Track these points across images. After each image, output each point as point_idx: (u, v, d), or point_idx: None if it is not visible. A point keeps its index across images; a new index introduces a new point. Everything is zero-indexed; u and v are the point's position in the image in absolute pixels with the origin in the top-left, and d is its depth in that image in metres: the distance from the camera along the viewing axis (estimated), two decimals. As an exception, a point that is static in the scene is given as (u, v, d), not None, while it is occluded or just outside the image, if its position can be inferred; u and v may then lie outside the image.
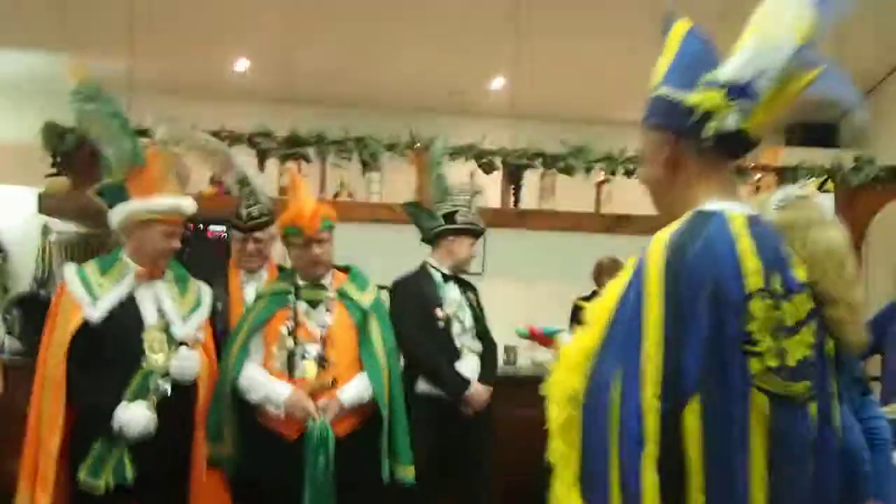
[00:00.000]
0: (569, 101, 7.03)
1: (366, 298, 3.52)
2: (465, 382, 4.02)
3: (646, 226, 5.42)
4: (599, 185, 5.32)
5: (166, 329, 3.24)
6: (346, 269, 3.63)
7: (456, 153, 4.81)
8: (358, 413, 3.43)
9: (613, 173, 5.17)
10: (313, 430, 3.29)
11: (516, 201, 5.13)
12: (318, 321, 3.42)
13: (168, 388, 3.16)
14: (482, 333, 4.30)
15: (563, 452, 1.76)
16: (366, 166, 4.89)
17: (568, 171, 5.08)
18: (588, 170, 5.12)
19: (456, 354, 4.11)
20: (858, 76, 6.67)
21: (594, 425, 1.66)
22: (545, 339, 2.68)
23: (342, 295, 3.50)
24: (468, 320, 4.29)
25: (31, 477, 3.09)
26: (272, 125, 5.08)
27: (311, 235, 3.38)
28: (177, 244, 3.29)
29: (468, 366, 4.13)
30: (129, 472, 3.08)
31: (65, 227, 6.53)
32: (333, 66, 6.60)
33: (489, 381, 4.19)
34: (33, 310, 5.28)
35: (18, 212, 7.09)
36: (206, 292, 3.50)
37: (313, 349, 3.38)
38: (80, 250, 6.33)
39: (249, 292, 4.02)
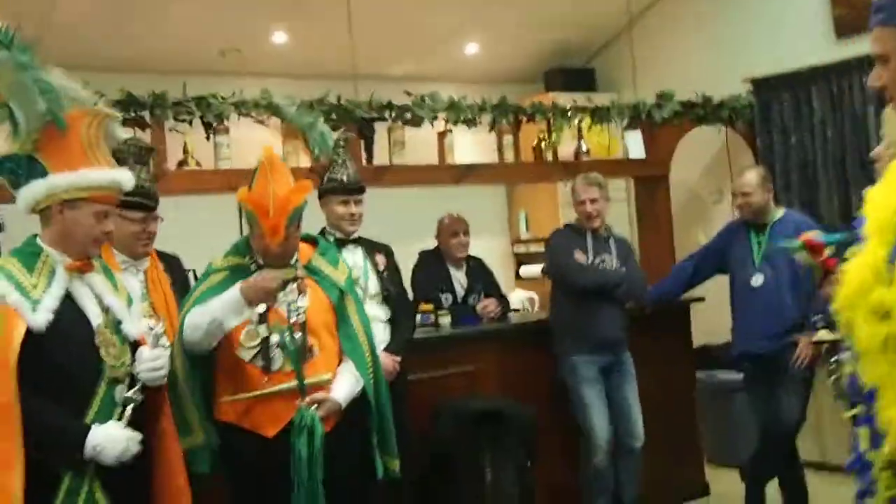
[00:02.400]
0: (342, 57, 6.74)
1: (340, 275, 3.16)
2: None
3: (492, 174, 5.48)
4: (442, 136, 5.15)
5: (115, 328, 2.67)
6: (310, 240, 3.22)
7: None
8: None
9: (456, 122, 5.04)
10: (299, 419, 2.92)
11: (370, 158, 4.81)
12: (290, 304, 2.99)
13: (140, 397, 2.62)
14: (392, 299, 4.02)
15: (886, 372, 1.63)
16: (210, 129, 4.33)
17: (417, 122, 4.86)
18: (433, 120, 4.94)
19: None
20: (609, 18, 7.20)
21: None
22: (821, 248, 2.56)
23: (313, 271, 3.10)
24: (372, 286, 4.01)
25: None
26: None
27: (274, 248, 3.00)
28: (110, 227, 2.70)
29: None
30: None
31: None
32: (96, 25, 5.78)
33: (398, 350, 3.94)
34: None
35: None
36: (131, 281, 2.94)
37: (291, 338, 2.96)
38: None
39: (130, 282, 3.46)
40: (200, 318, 2.93)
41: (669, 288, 5.20)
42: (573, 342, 4.65)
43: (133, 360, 2.66)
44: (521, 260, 7.42)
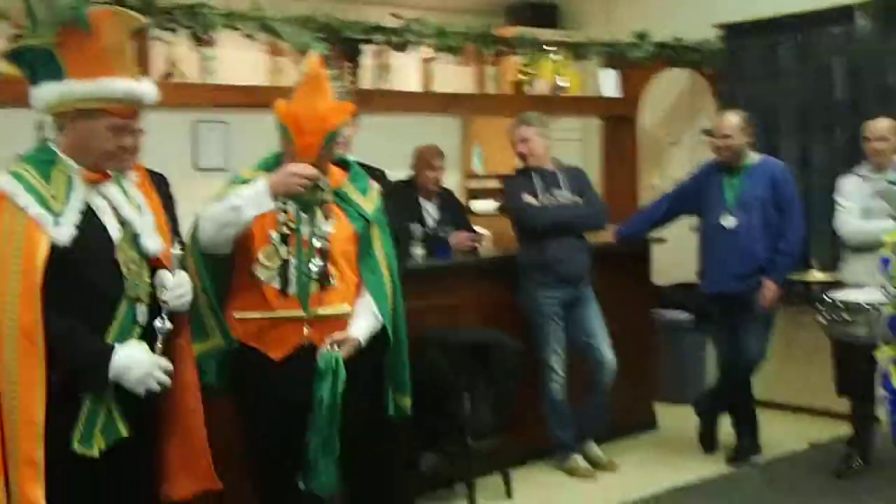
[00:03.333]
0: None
1: (369, 204, 3.07)
2: None
3: (477, 105, 5.40)
4: (427, 62, 5.04)
5: (133, 243, 2.54)
6: (343, 164, 3.11)
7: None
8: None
9: (442, 49, 4.93)
10: (324, 363, 2.87)
11: (355, 82, 4.68)
12: (313, 229, 2.91)
13: (170, 325, 2.52)
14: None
15: None
16: (198, 41, 4.13)
17: (402, 47, 4.74)
18: (418, 45, 4.82)
19: None
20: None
21: None
22: None
23: (341, 198, 3.01)
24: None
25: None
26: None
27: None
28: (128, 142, 2.55)
29: None
30: (123, 429, 2.46)
31: None
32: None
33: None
34: None
35: None
36: (138, 193, 2.76)
37: (312, 263, 2.89)
38: None
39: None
40: (220, 206, 2.84)
41: (641, 226, 5.30)
42: (538, 279, 4.76)
43: (152, 279, 2.55)
44: (473, 195, 7.38)
